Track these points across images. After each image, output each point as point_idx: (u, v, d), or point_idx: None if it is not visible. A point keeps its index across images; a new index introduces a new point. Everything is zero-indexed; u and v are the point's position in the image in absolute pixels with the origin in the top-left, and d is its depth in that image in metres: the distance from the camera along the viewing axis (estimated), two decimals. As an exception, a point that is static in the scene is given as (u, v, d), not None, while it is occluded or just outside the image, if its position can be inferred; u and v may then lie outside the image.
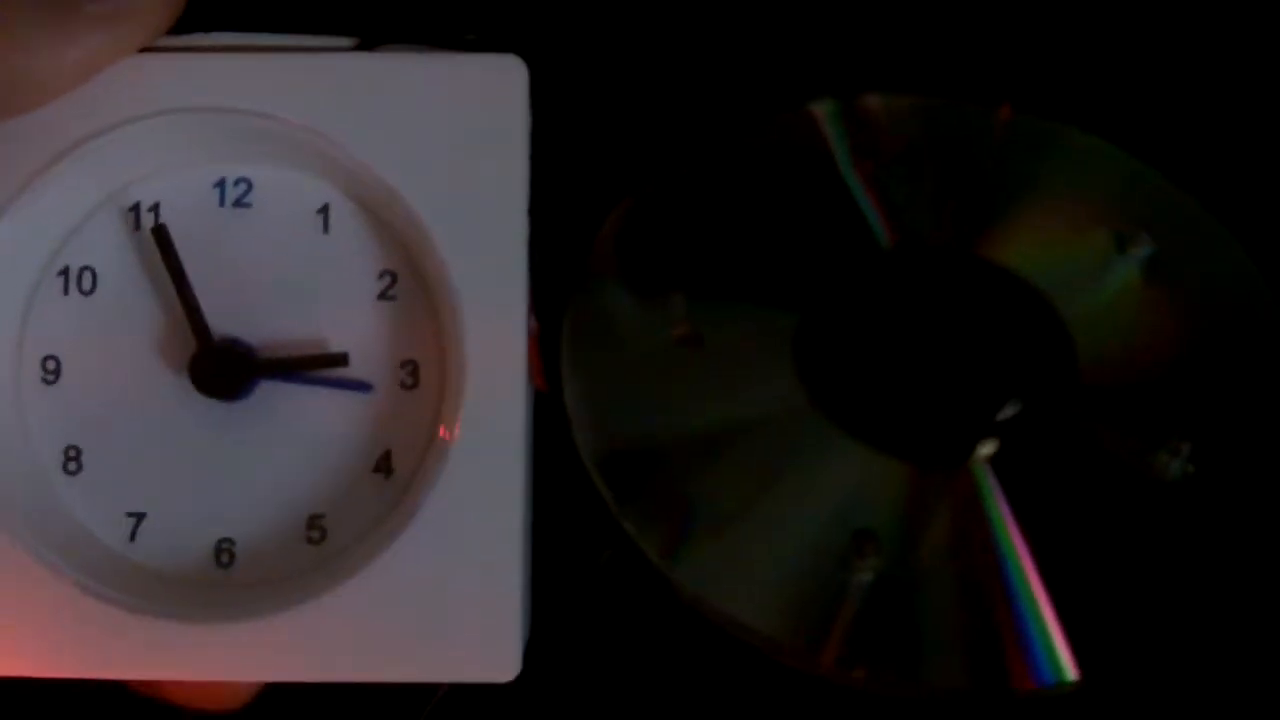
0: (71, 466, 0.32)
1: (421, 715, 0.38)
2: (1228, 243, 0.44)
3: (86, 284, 0.33)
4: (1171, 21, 0.47)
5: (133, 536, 0.32)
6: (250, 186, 0.33)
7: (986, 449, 0.41)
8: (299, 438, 0.32)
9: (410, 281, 0.33)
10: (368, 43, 0.32)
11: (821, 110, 0.46)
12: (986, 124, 0.46)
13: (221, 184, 0.33)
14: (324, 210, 0.33)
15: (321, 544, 0.32)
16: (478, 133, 0.32)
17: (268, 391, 0.32)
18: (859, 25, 0.47)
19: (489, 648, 0.31)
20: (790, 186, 0.45)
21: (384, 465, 0.32)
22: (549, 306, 0.42)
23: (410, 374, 0.33)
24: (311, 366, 0.32)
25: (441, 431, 0.32)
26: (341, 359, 0.32)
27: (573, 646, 0.40)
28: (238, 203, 0.33)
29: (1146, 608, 0.38)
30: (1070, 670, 0.37)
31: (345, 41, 0.33)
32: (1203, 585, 0.39)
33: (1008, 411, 0.41)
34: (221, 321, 0.32)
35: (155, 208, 0.33)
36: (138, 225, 0.33)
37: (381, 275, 0.33)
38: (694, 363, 0.43)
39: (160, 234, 0.32)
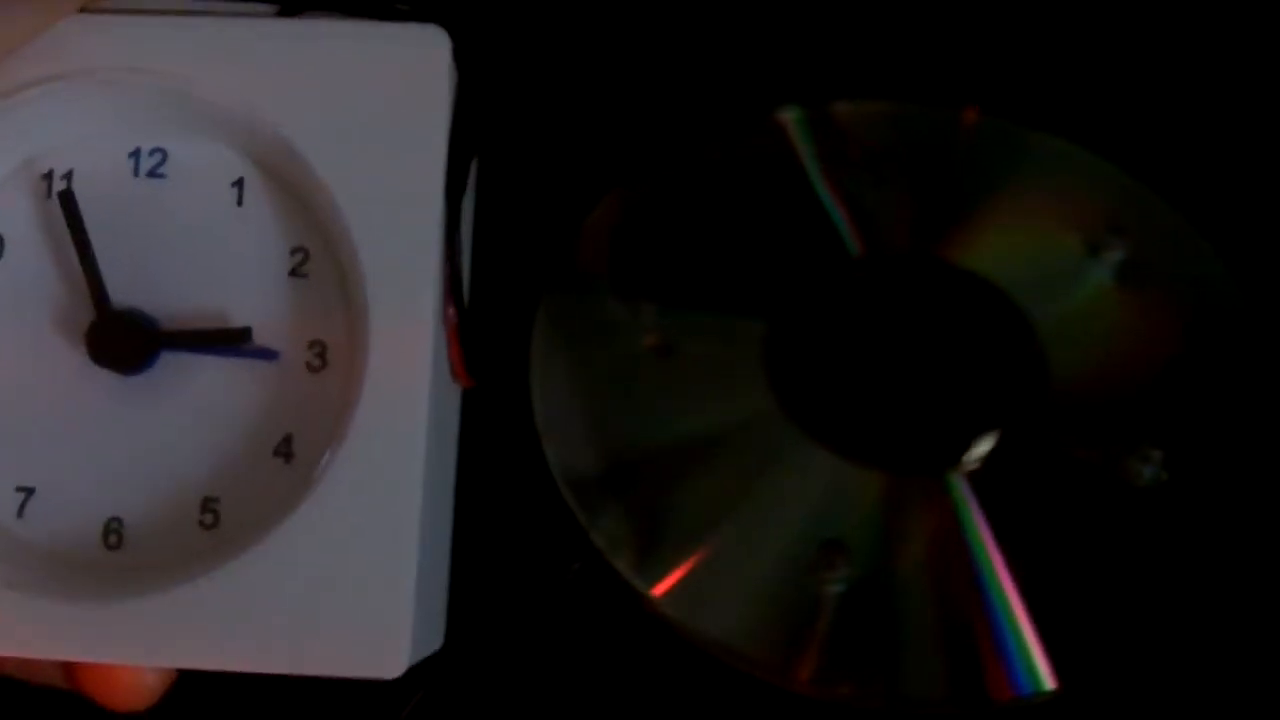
0: None
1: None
2: (1200, 246, 0.43)
3: None
4: (1140, 25, 0.47)
5: (20, 512, 0.31)
6: (165, 157, 0.32)
7: (979, 450, 0.39)
8: (198, 416, 0.31)
9: (323, 260, 0.32)
10: (290, 8, 0.31)
11: (790, 118, 0.45)
12: (955, 130, 0.46)
13: (136, 154, 0.32)
14: (239, 184, 0.32)
15: (214, 528, 0.31)
16: (397, 107, 0.31)
17: (168, 367, 0.31)
18: (827, 33, 0.47)
19: (377, 642, 0.29)
20: (759, 195, 0.45)
21: (284, 449, 0.31)
22: (517, 317, 0.41)
23: (318, 355, 0.31)
24: (214, 341, 0.31)
25: None
26: (244, 334, 0.31)
27: (542, 659, 0.39)
28: (152, 173, 0.32)
29: (1122, 615, 0.38)
30: (1048, 679, 0.37)
31: (268, 8, 0.31)
32: (1177, 591, 0.38)
33: (981, 448, 0.40)
34: (127, 294, 0.31)
35: (68, 176, 0.32)
36: (50, 193, 0.32)
37: (294, 251, 0.32)
38: (664, 373, 0.43)
39: (66, 199, 0.31)
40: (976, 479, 0.40)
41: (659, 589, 0.38)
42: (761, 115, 0.45)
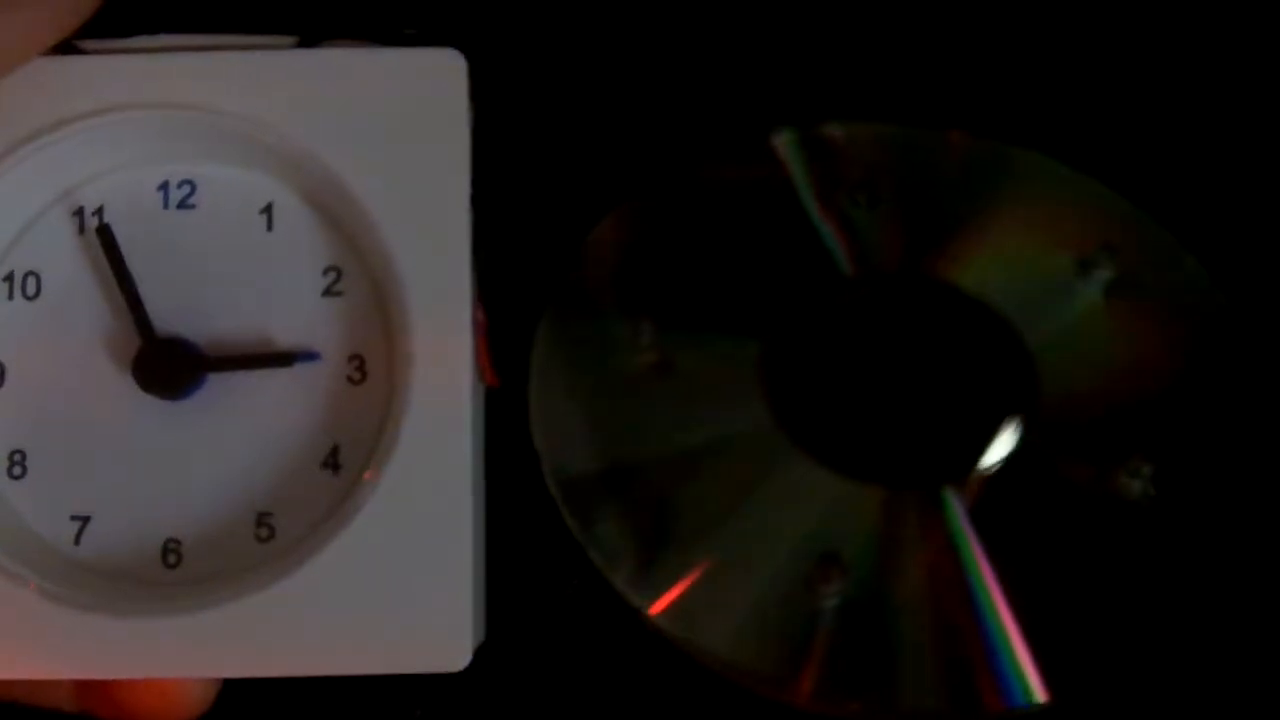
0: (16, 470, 0.32)
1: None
2: (1189, 263, 0.44)
3: (31, 289, 0.33)
4: (1126, 45, 0.48)
5: (78, 540, 0.32)
6: (194, 188, 0.33)
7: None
8: (246, 436, 0.32)
9: (356, 277, 0.33)
10: (309, 40, 0.33)
11: (783, 141, 0.46)
12: (945, 151, 0.46)
13: (165, 186, 0.33)
14: (268, 209, 0.33)
15: (270, 541, 0.32)
16: (419, 126, 0.32)
17: (214, 390, 0.32)
18: (820, 58, 0.48)
19: (440, 638, 0.31)
20: (753, 216, 0.45)
21: (332, 461, 0.32)
22: (517, 333, 0.42)
23: (358, 369, 0.32)
24: (257, 365, 0.32)
25: None
26: (287, 359, 0.32)
27: (539, 675, 0.39)
28: (182, 204, 0.33)
29: (1113, 627, 0.38)
30: (1039, 692, 0.37)
31: (287, 40, 0.33)
32: (1168, 604, 0.39)
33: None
34: (167, 322, 0.32)
35: (99, 211, 0.33)
36: (81, 229, 0.33)
37: (327, 271, 0.33)
38: (661, 389, 0.43)
39: (104, 234, 0.32)
40: (969, 493, 0.41)
41: (656, 606, 0.39)
42: (756, 138, 0.46)
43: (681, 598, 0.39)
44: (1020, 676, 0.37)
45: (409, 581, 0.31)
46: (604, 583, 0.39)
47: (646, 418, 0.42)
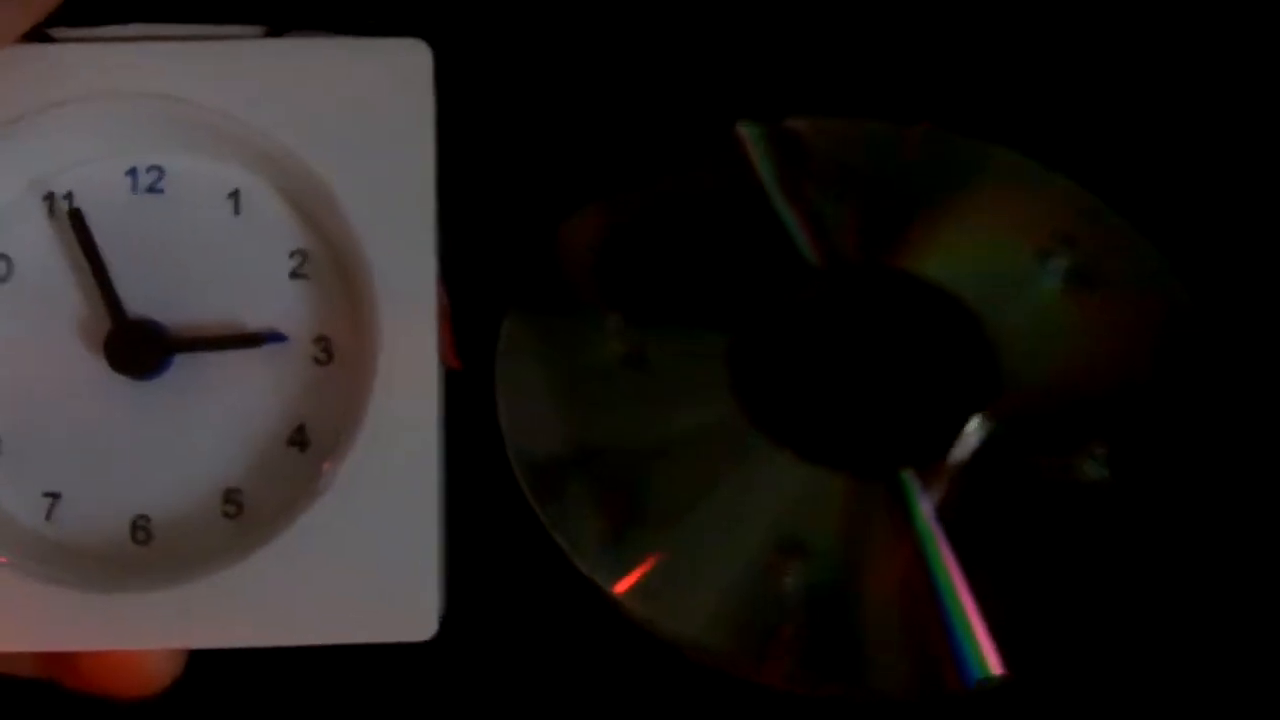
0: None
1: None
2: (1147, 251, 0.45)
3: (2, 271, 0.33)
4: (1084, 36, 0.49)
5: (49, 516, 0.33)
6: (162, 174, 0.34)
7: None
8: (214, 414, 0.33)
9: (322, 260, 0.34)
10: (276, 30, 0.33)
11: (749, 135, 0.47)
12: (908, 144, 0.48)
13: (134, 172, 0.34)
14: (235, 195, 0.34)
15: (238, 517, 0.33)
16: (385, 114, 0.33)
17: (183, 370, 0.33)
18: (785, 52, 0.49)
19: (406, 608, 0.32)
20: (720, 209, 0.46)
21: (298, 439, 0.33)
22: (485, 319, 0.43)
23: (324, 350, 0.33)
24: (225, 346, 0.33)
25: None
26: (254, 339, 0.33)
27: (502, 656, 0.40)
28: (150, 189, 0.34)
29: (1070, 606, 0.39)
30: (995, 666, 0.38)
31: (255, 30, 0.34)
32: (1123, 582, 0.40)
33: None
34: (137, 304, 0.33)
35: (69, 196, 0.34)
36: (52, 213, 0.34)
37: (293, 255, 0.34)
38: (628, 379, 0.43)
39: (76, 218, 0.33)
40: (931, 480, 0.42)
41: (621, 586, 0.39)
42: (723, 132, 0.47)
43: (646, 578, 0.40)
44: (978, 654, 0.38)
45: (375, 555, 0.32)
46: (568, 565, 0.40)
47: (613, 406, 0.43)
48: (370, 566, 0.32)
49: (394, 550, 0.32)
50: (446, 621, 0.33)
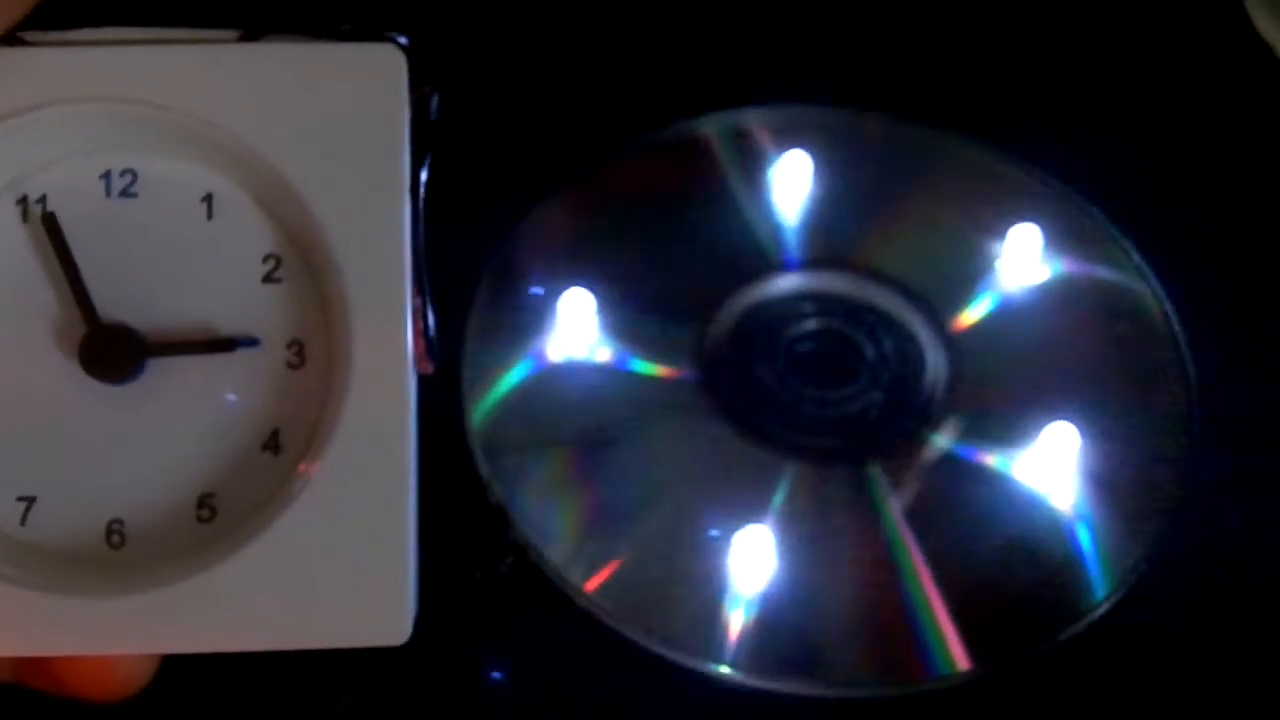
0: None
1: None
2: (1112, 240, 0.46)
3: None
4: (1044, 24, 0.49)
5: (23, 520, 0.33)
6: (136, 177, 0.34)
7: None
8: (188, 418, 0.33)
9: (295, 264, 0.34)
10: (251, 35, 0.33)
11: (711, 124, 0.48)
12: (868, 133, 0.48)
13: (107, 176, 0.34)
14: (208, 199, 0.34)
15: (212, 521, 0.33)
16: (358, 119, 0.33)
17: (157, 374, 0.33)
18: (744, 45, 0.49)
19: (381, 612, 0.32)
20: (681, 201, 0.47)
21: (272, 443, 0.33)
22: (451, 317, 0.43)
23: (297, 354, 0.33)
24: (198, 350, 0.33)
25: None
26: (228, 344, 0.33)
27: (471, 652, 0.40)
28: (124, 193, 0.34)
29: (1032, 599, 0.40)
30: (960, 660, 0.39)
31: (229, 34, 0.34)
32: (1085, 576, 0.41)
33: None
34: (111, 308, 0.33)
35: (43, 199, 0.34)
36: (25, 217, 0.34)
37: (266, 259, 0.34)
38: (594, 372, 0.44)
39: (49, 222, 0.33)
40: (892, 471, 0.42)
41: (590, 583, 0.40)
42: (682, 125, 0.47)
43: (615, 574, 0.41)
44: (943, 647, 0.39)
45: (349, 559, 0.32)
46: (538, 560, 0.40)
47: (578, 399, 0.43)
48: (344, 571, 0.32)
49: (368, 555, 0.32)
50: (416, 621, 0.33)
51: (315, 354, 0.33)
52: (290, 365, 0.33)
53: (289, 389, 0.33)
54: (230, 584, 0.31)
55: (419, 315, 0.34)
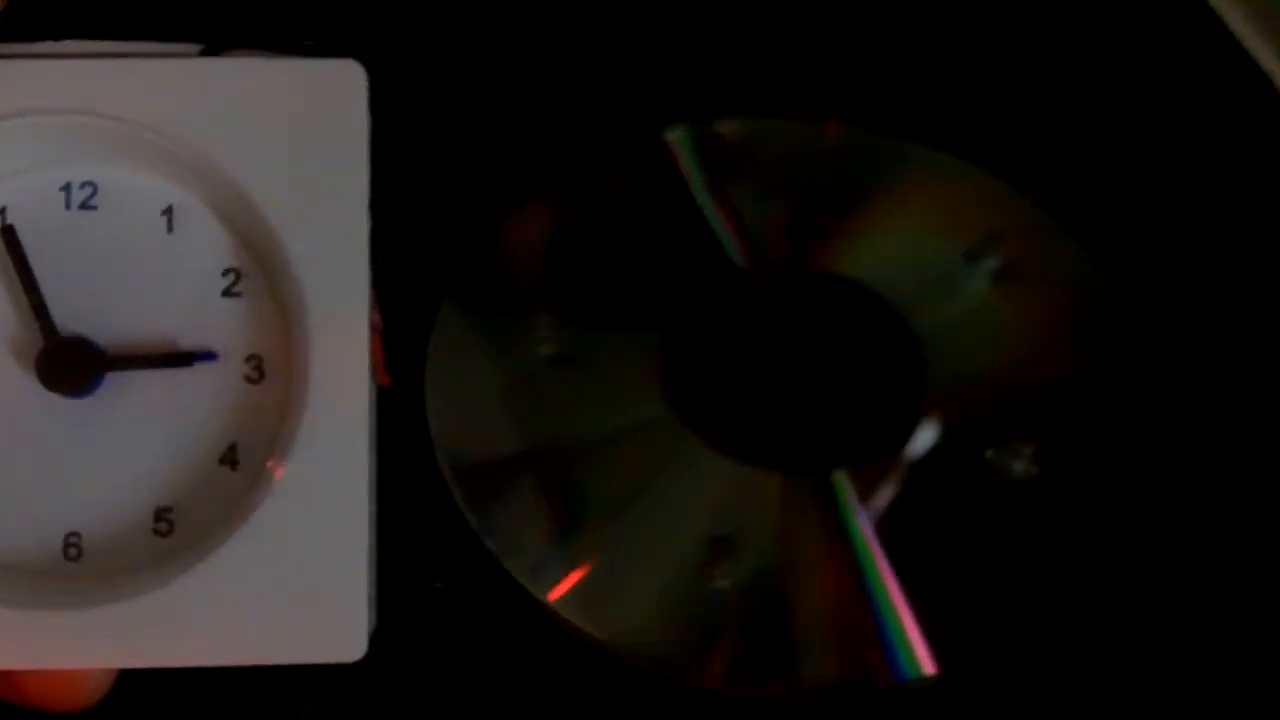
0: None
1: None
2: (1072, 249, 0.46)
3: None
4: (1006, 34, 0.49)
5: None
6: (96, 190, 0.34)
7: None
8: (146, 432, 0.33)
9: (255, 278, 0.34)
10: (213, 49, 0.33)
11: (675, 137, 0.48)
12: (833, 143, 0.48)
13: (68, 188, 0.34)
14: (168, 212, 0.34)
15: (169, 536, 0.33)
16: (319, 133, 0.33)
17: (115, 388, 0.33)
18: (710, 55, 0.49)
19: (336, 629, 0.32)
20: (647, 211, 0.47)
21: (230, 458, 0.33)
22: (413, 329, 0.43)
23: (255, 368, 0.33)
24: (156, 365, 0.33)
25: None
26: (186, 358, 0.33)
27: (437, 663, 0.40)
28: (84, 205, 0.34)
29: (999, 602, 0.40)
30: (926, 665, 0.39)
31: (191, 48, 0.34)
32: (1051, 578, 0.40)
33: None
34: (70, 321, 0.33)
35: (2, 211, 0.34)
36: None
37: (226, 273, 0.34)
38: (558, 380, 0.44)
39: (8, 234, 0.33)
40: (860, 477, 0.42)
41: (554, 594, 0.39)
42: (649, 135, 0.47)
43: (580, 585, 0.40)
44: (909, 652, 0.39)
45: (306, 576, 0.32)
46: (501, 571, 0.40)
47: (544, 408, 0.43)
48: (300, 587, 0.32)
49: (324, 571, 0.32)
50: (378, 632, 0.33)
51: (274, 369, 0.33)
52: (249, 379, 0.33)
53: (247, 403, 0.33)
54: (185, 600, 0.31)
55: (378, 329, 0.34)
